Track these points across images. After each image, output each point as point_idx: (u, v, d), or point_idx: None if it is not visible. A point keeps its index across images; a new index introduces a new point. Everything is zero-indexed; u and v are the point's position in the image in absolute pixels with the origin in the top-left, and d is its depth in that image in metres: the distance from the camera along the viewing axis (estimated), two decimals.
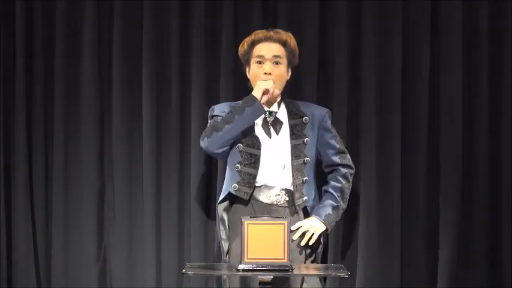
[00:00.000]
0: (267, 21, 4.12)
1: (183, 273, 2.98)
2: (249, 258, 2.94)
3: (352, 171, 3.62)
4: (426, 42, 4.12)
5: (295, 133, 3.47)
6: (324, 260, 4.05)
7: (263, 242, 2.95)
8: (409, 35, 4.14)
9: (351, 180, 3.60)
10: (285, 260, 2.95)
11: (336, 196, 3.53)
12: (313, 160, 3.53)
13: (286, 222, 2.98)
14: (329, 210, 3.48)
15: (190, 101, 4.17)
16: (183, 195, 4.20)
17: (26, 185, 4.23)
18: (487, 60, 4.12)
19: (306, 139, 3.48)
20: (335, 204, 3.51)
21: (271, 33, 3.49)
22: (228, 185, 3.46)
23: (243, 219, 2.98)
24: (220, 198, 3.51)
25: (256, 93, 3.40)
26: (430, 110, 4.13)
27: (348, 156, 3.62)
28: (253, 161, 3.42)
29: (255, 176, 3.42)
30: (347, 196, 3.58)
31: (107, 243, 4.25)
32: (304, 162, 3.47)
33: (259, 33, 3.51)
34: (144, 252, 4.18)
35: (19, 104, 4.21)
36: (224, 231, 3.49)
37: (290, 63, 3.53)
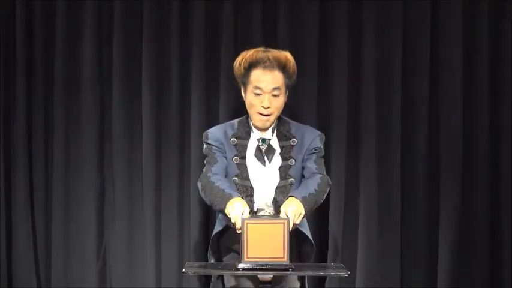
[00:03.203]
0: (267, 22, 4.13)
1: (183, 272, 2.97)
2: (249, 258, 2.94)
3: (329, 183, 3.43)
4: (426, 42, 4.12)
5: (282, 155, 3.40)
6: (323, 260, 4.06)
7: (263, 241, 2.95)
8: (409, 35, 4.14)
9: (327, 187, 3.39)
10: (285, 260, 2.95)
11: (315, 186, 3.32)
12: (298, 181, 3.41)
13: (285, 221, 2.98)
14: (305, 194, 3.25)
15: (190, 101, 4.17)
16: (183, 195, 4.20)
17: (26, 185, 4.23)
18: (487, 60, 4.12)
19: (291, 160, 3.39)
20: (312, 191, 3.28)
21: (269, 56, 3.32)
22: (224, 218, 3.34)
23: (242, 219, 2.97)
24: (219, 229, 3.41)
25: (228, 212, 3.16)
26: (430, 110, 4.13)
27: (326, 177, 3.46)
28: (249, 193, 3.37)
29: (253, 207, 3.34)
30: (322, 195, 3.36)
31: (106, 243, 4.25)
32: (290, 184, 3.38)
33: (258, 54, 3.33)
34: (144, 252, 4.18)
35: (19, 104, 4.21)
36: (214, 258, 3.43)
37: (287, 87, 3.41)
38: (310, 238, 3.38)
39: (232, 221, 3.07)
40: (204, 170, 3.42)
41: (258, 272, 2.95)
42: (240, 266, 2.94)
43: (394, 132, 4.12)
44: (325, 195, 3.40)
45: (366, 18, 4.12)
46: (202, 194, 3.35)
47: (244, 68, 3.36)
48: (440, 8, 4.13)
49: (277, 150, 3.42)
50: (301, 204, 3.16)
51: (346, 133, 4.11)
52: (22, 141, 4.23)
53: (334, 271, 3.12)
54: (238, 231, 3.02)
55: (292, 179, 3.40)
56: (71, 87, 4.23)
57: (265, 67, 3.32)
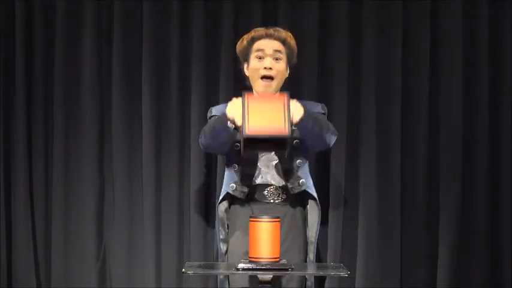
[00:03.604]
0: (267, 22, 4.12)
1: (183, 272, 2.97)
2: (250, 130, 2.88)
3: (335, 131, 3.44)
4: (426, 42, 4.13)
5: None
6: (323, 260, 4.06)
7: (263, 114, 2.90)
8: (409, 36, 4.15)
9: (333, 131, 3.40)
10: (286, 132, 2.90)
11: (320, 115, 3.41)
12: (303, 142, 3.43)
13: (286, 95, 2.98)
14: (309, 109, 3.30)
15: (190, 101, 4.18)
16: (183, 195, 4.21)
17: (26, 185, 4.24)
18: (487, 60, 4.13)
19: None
20: (316, 113, 3.36)
21: (271, 30, 3.46)
22: (226, 185, 3.46)
23: (243, 93, 2.97)
24: (220, 198, 3.49)
25: (227, 110, 3.19)
26: (429, 111, 4.14)
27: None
28: (251, 160, 3.41)
29: (252, 176, 3.41)
30: (326, 126, 3.34)
31: (106, 243, 4.26)
32: (295, 145, 3.38)
33: (259, 30, 3.48)
34: (144, 252, 4.19)
35: (19, 103, 4.22)
36: (223, 232, 3.47)
37: (289, 62, 3.50)
38: (316, 198, 3.41)
39: (229, 115, 3.07)
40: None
41: (258, 272, 2.95)
42: (240, 265, 2.95)
43: (394, 132, 4.13)
44: (329, 134, 3.35)
45: (365, 18, 4.13)
46: (202, 139, 3.41)
47: (248, 42, 3.47)
48: (440, 8, 4.14)
49: None
50: (301, 106, 3.15)
51: (346, 133, 4.11)
52: (22, 141, 4.23)
53: (334, 271, 3.10)
54: (237, 127, 3.02)
55: (297, 140, 3.40)
56: (70, 87, 4.24)
57: (266, 37, 3.45)
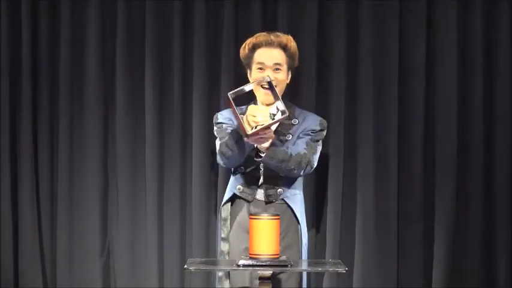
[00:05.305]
0: (267, 22, 4.17)
1: (185, 268, 3.00)
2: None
3: (308, 164, 3.43)
4: (422, 41, 4.16)
5: (279, 131, 3.47)
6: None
7: None
8: (406, 34, 4.18)
9: (304, 165, 3.39)
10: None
11: (292, 151, 3.40)
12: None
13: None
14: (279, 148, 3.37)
15: (191, 100, 4.22)
16: (185, 192, 4.25)
17: (31, 182, 4.28)
18: (481, 57, 4.16)
19: (289, 135, 3.47)
20: (287, 150, 3.38)
21: (272, 37, 3.48)
22: (233, 186, 3.49)
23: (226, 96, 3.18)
24: (225, 199, 3.52)
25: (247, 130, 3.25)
26: (426, 108, 4.17)
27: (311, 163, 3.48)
28: (257, 163, 3.46)
29: (258, 178, 3.46)
30: (297, 163, 3.37)
31: (110, 239, 4.30)
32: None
33: (260, 37, 3.49)
34: (147, 249, 4.23)
35: (25, 103, 4.26)
36: (225, 231, 3.52)
37: (290, 67, 3.53)
38: (296, 214, 3.44)
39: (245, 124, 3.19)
40: (218, 147, 3.47)
41: (258, 268, 2.98)
42: (240, 262, 2.98)
43: (390, 130, 4.17)
44: (299, 170, 3.37)
45: (363, 18, 4.16)
46: (222, 160, 3.43)
47: (249, 50, 3.50)
48: (435, 7, 4.17)
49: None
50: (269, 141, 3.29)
51: (344, 131, 4.15)
52: (28, 139, 4.28)
53: (332, 267, 3.11)
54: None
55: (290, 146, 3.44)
56: (75, 87, 4.28)
57: (267, 46, 3.48)
